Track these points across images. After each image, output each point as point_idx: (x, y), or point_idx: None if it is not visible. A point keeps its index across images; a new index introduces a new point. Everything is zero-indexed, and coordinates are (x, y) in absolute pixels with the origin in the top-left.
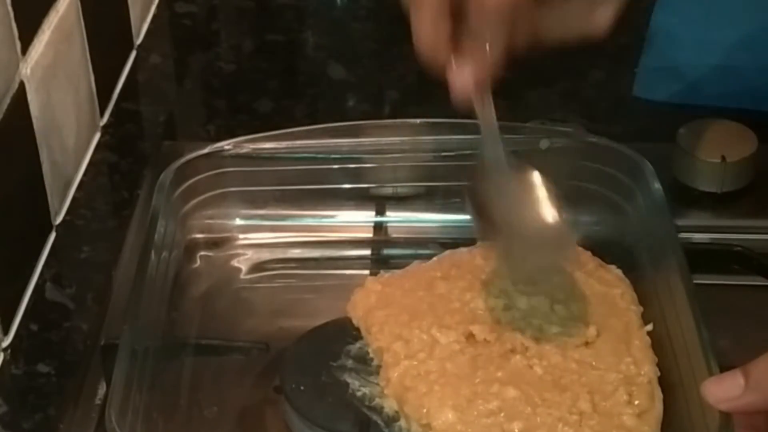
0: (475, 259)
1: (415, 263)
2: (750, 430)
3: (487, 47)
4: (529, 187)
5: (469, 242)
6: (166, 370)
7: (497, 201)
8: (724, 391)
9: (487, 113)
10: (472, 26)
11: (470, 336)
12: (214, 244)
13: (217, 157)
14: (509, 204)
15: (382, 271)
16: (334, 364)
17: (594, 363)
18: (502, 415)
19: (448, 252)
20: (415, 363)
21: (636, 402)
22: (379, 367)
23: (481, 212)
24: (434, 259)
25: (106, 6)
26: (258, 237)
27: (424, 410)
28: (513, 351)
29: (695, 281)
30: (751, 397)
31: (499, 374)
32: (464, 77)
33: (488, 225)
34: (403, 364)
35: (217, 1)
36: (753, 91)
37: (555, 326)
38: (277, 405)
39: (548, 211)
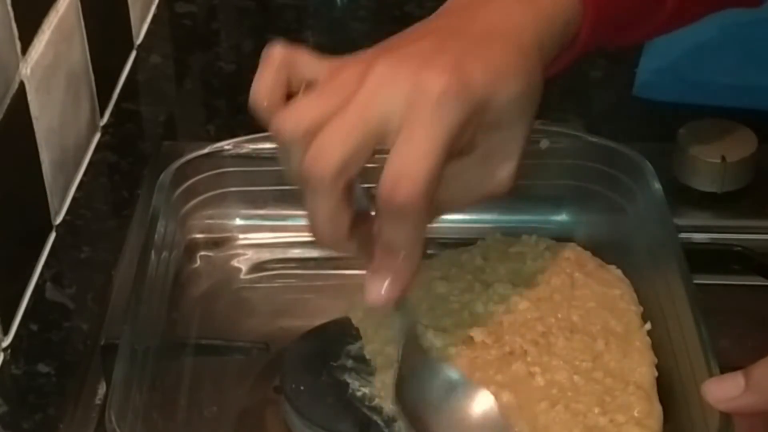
0: (475, 259)
1: None
2: None
3: (403, 256)
4: (459, 389)
5: (469, 242)
6: (166, 370)
7: (426, 403)
8: (724, 391)
9: (407, 316)
10: (383, 230)
11: (468, 338)
12: (214, 244)
13: (217, 157)
14: (439, 407)
15: None
16: (334, 364)
17: (597, 376)
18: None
19: (447, 252)
20: None
21: (637, 409)
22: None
23: (412, 418)
24: (433, 258)
25: (106, 6)
26: (258, 237)
27: None
28: (512, 354)
29: (695, 281)
30: (751, 398)
31: (498, 378)
32: (379, 294)
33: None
34: (396, 367)
35: (217, 1)
36: (753, 91)
37: (561, 338)
38: (277, 405)
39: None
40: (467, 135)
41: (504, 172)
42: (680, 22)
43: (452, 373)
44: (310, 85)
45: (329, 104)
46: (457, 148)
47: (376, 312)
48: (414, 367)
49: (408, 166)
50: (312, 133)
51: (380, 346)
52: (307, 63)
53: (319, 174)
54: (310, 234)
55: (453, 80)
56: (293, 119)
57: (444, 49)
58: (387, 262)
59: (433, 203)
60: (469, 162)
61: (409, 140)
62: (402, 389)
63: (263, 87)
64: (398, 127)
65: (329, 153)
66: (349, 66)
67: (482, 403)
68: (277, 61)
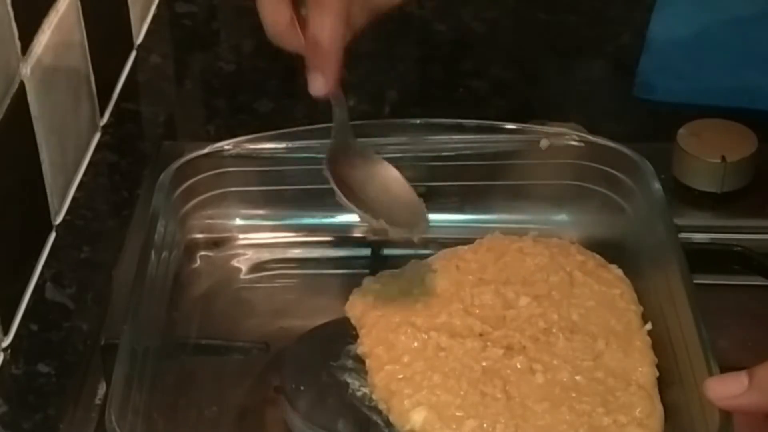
0: (475, 257)
1: (413, 262)
2: None
3: (333, 52)
4: (381, 169)
5: (468, 241)
6: (166, 370)
7: (353, 176)
8: (726, 389)
9: (340, 107)
10: (309, 22)
11: (467, 336)
12: (214, 244)
13: (217, 157)
14: (365, 181)
15: (381, 271)
16: (334, 364)
17: (598, 375)
18: (485, 425)
19: (446, 250)
20: (398, 367)
21: (638, 409)
22: None
23: (340, 184)
24: (432, 257)
25: (106, 6)
26: (258, 237)
27: (407, 415)
28: (510, 349)
29: (695, 281)
30: (753, 397)
31: (496, 380)
32: (319, 84)
33: (349, 194)
34: (386, 369)
35: (217, 1)
36: (753, 91)
37: (561, 338)
38: (277, 405)
39: (401, 189)
40: None
41: None
42: None
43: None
44: None
45: None
46: None
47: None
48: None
49: None
50: None
51: (369, 348)
52: None
53: None
54: (263, 22)
55: None
56: None
57: None
58: (318, 59)
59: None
60: None
61: None
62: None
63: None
64: None
65: None
66: None
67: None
68: None
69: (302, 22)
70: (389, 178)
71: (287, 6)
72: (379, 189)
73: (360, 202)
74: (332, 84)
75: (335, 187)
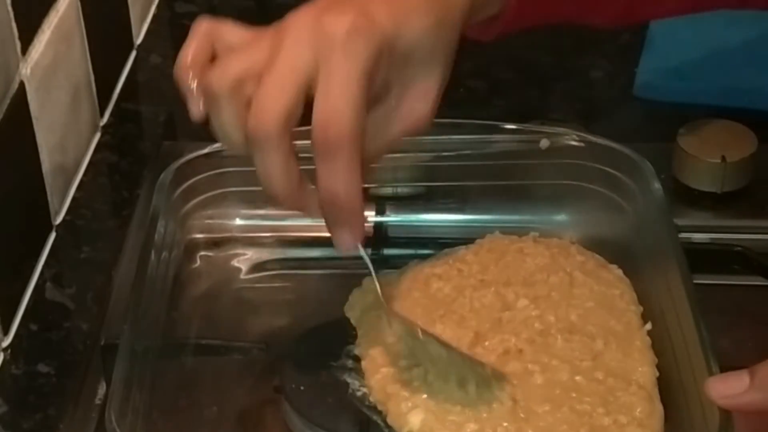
0: (475, 257)
1: (413, 262)
2: None
3: (346, 202)
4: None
5: (468, 242)
6: (166, 370)
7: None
8: (727, 387)
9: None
10: (321, 178)
11: (463, 338)
12: (214, 244)
13: (217, 157)
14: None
15: (382, 271)
16: (334, 364)
17: (598, 376)
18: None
19: (446, 251)
20: (394, 370)
21: (638, 409)
22: None
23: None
24: (432, 258)
25: (106, 6)
26: (258, 237)
27: (405, 418)
28: (506, 353)
29: (695, 281)
30: (754, 396)
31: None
32: (348, 240)
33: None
34: (382, 371)
35: (217, 1)
36: (753, 91)
37: (559, 339)
38: (277, 405)
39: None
40: (381, 73)
41: (421, 111)
42: (645, 13)
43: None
44: (234, 49)
45: (253, 59)
46: (374, 92)
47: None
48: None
49: (333, 106)
50: (241, 85)
51: (366, 349)
52: (231, 32)
53: (266, 128)
54: (266, 193)
55: (356, 20)
56: (220, 73)
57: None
58: (339, 214)
59: (363, 149)
60: (386, 106)
61: (328, 83)
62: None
63: (187, 55)
64: (317, 74)
65: (271, 106)
66: (269, 30)
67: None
68: (202, 31)
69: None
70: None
71: (296, 162)
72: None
73: None
74: (361, 236)
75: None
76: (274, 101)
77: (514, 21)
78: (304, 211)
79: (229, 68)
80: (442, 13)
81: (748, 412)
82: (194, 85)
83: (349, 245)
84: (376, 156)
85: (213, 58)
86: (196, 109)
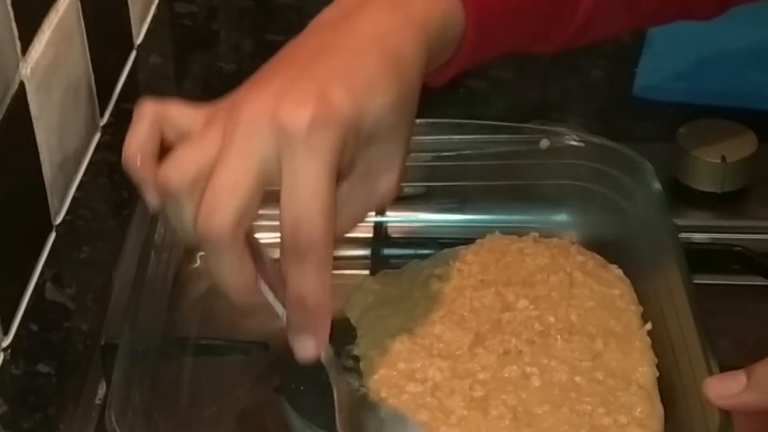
0: (474, 258)
1: (413, 262)
2: None
3: (315, 303)
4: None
5: (468, 242)
6: (166, 370)
7: None
8: (725, 388)
9: (334, 369)
10: (290, 279)
11: (463, 338)
12: None
13: None
14: None
15: (381, 271)
16: None
17: (597, 376)
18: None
19: (446, 251)
20: (394, 373)
21: (638, 409)
22: None
23: None
24: (432, 258)
25: (106, 6)
26: (258, 237)
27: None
28: (506, 354)
29: (695, 281)
30: (752, 396)
31: (493, 384)
32: (311, 347)
33: None
34: (380, 373)
35: (217, 1)
36: (753, 91)
37: (559, 339)
38: (277, 405)
39: None
40: (346, 158)
41: (386, 184)
42: (598, 32)
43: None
44: (185, 136)
45: (208, 153)
46: (338, 172)
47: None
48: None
49: (301, 208)
50: (200, 182)
51: (365, 350)
52: (180, 114)
53: (217, 231)
54: (221, 289)
55: (316, 111)
56: (177, 170)
57: (308, 76)
58: (305, 320)
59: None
60: (351, 182)
61: (294, 183)
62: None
63: (135, 143)
64: (279, 168)
65: (222, 208)
66: (219, 112)
67: None
68: (148, 116)
69: (266, 274)
70: None
71: (251, 263)
72: None
73: None
74: (324, 344)
75: None
76: (225, 203)
77: (466, 61)
78: (261, 303)
79: (186, 165)
80: (400, 83)
81: (747, 412)
82: (147, 176)
83: (311, 354)
84: (342, 233)
85: (162, 143)
86: (154, 201)
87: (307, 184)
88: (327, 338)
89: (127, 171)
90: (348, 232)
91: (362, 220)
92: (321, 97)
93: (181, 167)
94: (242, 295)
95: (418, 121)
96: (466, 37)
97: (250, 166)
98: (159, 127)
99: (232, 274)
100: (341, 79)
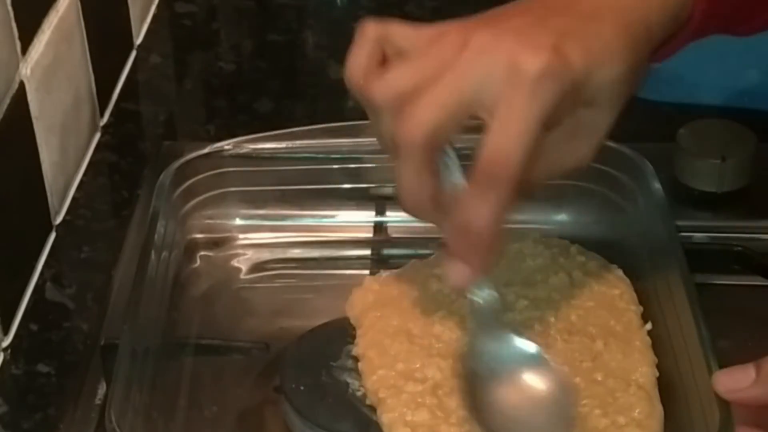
0: None
1: (413, 262)
2: (756, 428)
3: (486, 236)
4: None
5: None
6: (166, 370)
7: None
8: (734, 381)
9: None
10: (469, 206)
11: (463, 339)
12: (214, 244)
13: (217, 157)
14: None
15: (382, 271)
16: (334, 364)
17: (598, 377)
18: None
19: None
20: (393, 373)
21: (637, 410)
22: None
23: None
24: (432, 257)
25: (106, 6)
26: (258, 237)
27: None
28: None
29: (695, 281)
30: (760, 390)
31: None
32: (463, 277)
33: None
34: (378, 373)
35: (217, 1)
36: (753, 91)
37: (559, 340)
38: (277, 405)
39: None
40: (559, 112)
41: (586, 148)
42: None
43: (526, 345)
44: (405, 55)
45: (423, 72)
46: (547, 122)
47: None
48: (485, 339)
49: (506, 144)
50: (403, 99)
51: (364, 350)
52: (402, 34)
53: (409, 138)
54: (398, 200)
55: (551, 60)
56: (385, 85)
57: (545, 25)
58: (467, 249)
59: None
60: (554, 137)
61: (507, 119)
62: (470, 365)
63: (358, 63)
64: (492, 101)
65: (421, 118)
66: (447, 35)
67: (552, 377)
68: (371, 36)
69: (446, 198)
70: (537, 394)
71: (431, 177)
72: (522, 407)
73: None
74: (475, 279)
75: (467, 406)
76: (428, 114)
77: (686, 40)
78: (429, 221)
79: (393, 83)
80: (633, 56)
81: (753, 406)
82: (366, 94)
83: (459, 282)
84: (534, 180)
85: (383, 61)
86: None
87: (519, 123)
88: (478, 273)
89: (348, 86)
90: (538, 183)
91: (557, 176)
92: (558, 49)
93: (388, 84)
94: (411, 208)
95: None
96: (693, 18)
97: (463, 88)
98: (380, 46)
99: (410, 184)
100: (580, 38)
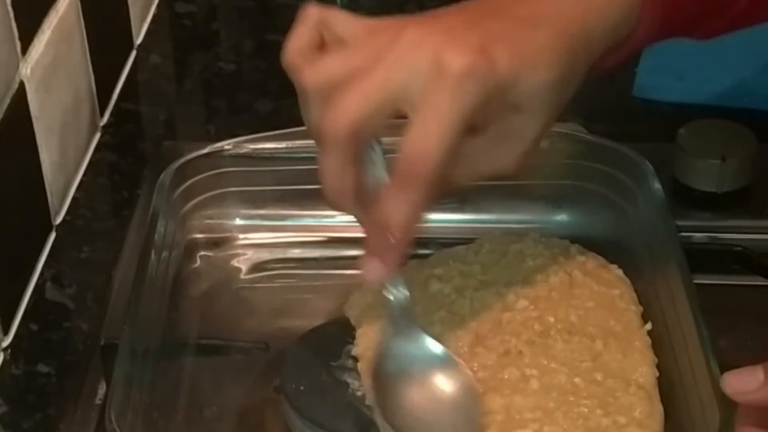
0: (474, 258)
1: (413, 262)
2: (762, 429)
3: (400, 233)
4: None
5: (468, 242)
6: (166, 370)
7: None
8: (742, 383)
9: (396, 295)
10: (387, 202)
11: (463, 339)
12: (214, 244)
13: (217, 157)
14: (413, 396)
15: None
16: (334, 364)
17: (597, 377)
18: None
19: (445, 251)
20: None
21: (638, 410)
22: None
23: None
24: (432, 257)
25: (106, 6)
26: (258, 237)
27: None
28: (507, 354)
29: (695, 281)
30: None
31: (492, 384)
32: (377, 272)
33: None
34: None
35: (217, 1)
36: (753, 91)
37: (559, 341)
38: (277, 405)
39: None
40: (482, 115)
41: (513, 154)
42: (756, 19)
43: (434, 346)
44: (342, 43)
45: (354, 63)
46: (473, 125)
47: (370, 287)
48: (396, 337)
49: (425, 143)
50: (332, 87)
51: (362, 350)
52: (342, 22)
53: (334, 129)
54: (321, 190)
55: (475, 60)
56: (316, 71)
57: (478, 27)
58: (381, 245)
59: (443, 174)
60: (480, 140)
61: (427, 117)
62: (380, 362)
63: (296, 44)
64: (416, 98)
65: (347, 110)
66: (383, 29)
67: (459, 380)
68: (312, 19)
69: (367, 191)
70: (443, 396)
71: (353, 170)
72: (428, 407)
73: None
74: (391, 275)
75: (374, 402)
76: (354, 106)
77: (635, 47)
78: (350, 214)
79: (325, 69)
80: (567, 65)
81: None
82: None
83: (374, 277)
84: (456, 181)
85: (321, 46)
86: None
87: (439, 122)
88: (394, 269)
89: (284, 68)
90: (461, 184)
91: (480, 179)
92: (485, 50)
93: (319, 70)
94: (332, 199)
95: None
96: (638, 29)
97: (389, 82)
98: (319, 31)
99: (333, 175)
100: (510, 42)
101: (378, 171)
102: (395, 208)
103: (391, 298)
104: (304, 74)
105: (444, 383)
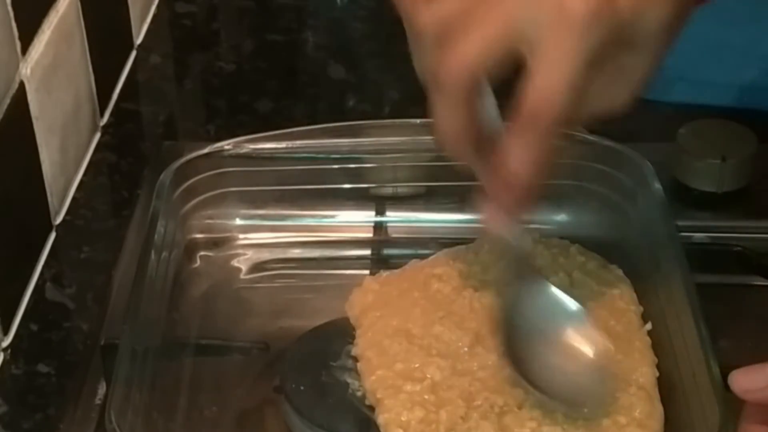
0: (475, 258)
1: (413, 262)
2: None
3: (528, 191)
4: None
5: (468, 242)
6: (166, 370)
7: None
8: (749, 381)
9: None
10: (511, 148)
11: (463, 339)
12: (214, 244)
13: (217, 157)
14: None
15: (381, 271)
16: (334, 364)
17: None
18: None
19: (445, 251)
20: (392, 374)
21: (638, 410)
22: None
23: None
24: (432, 257)
25: (106, 6)
26: (258, 237)
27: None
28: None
29: (695, 281)
30: None
31: (491, 384)
32: (500, 222)
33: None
34: (377, 374)
35: (217, 1)
36: (753, 91)
37: None
38: (277, 405)
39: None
40: (602, 54)
41: (624, 93)
42: None
43: (567, 300)
44: None
45: (471, 3)
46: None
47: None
48: (523, 291)
49: (552, 86)
50: (448, 28)
51: (362, 350)
52: None
53: (453, 73)
54: (434, 136)
55: (601, 5)
56: (431, 11)
57: None
58: (505, 195)
59: None
60: (594, 77)
61: (553, 60)
62: (509, 314)
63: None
64: (537, 41)
65: (466, 53)
66: None
67: (593, 339)
68: None
69: (483, 137)
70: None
71: (469, 114)
72: (565, 367)
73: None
74: (511, 221)
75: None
76: (474, 48)
77: None
78: (464, 161)
79: (440, 9)
80: (680, 2)
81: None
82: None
83: (496, 225)
84: (567, 123)
85: None
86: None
87: (566, 66)
88: (514, 215)
89: (397, 11)
90: (573, 124)
91: (593, 119)
92: None
93: (434, 11)
94: (450, 145)
95: (418, 121)
96: None
97: (510, 24)
98: None
99: (448, 120)
100: None
101: (492, 115)
102: (520, 153)
103: (516, 247)
104: (419, 14)
105: (578, 341)
